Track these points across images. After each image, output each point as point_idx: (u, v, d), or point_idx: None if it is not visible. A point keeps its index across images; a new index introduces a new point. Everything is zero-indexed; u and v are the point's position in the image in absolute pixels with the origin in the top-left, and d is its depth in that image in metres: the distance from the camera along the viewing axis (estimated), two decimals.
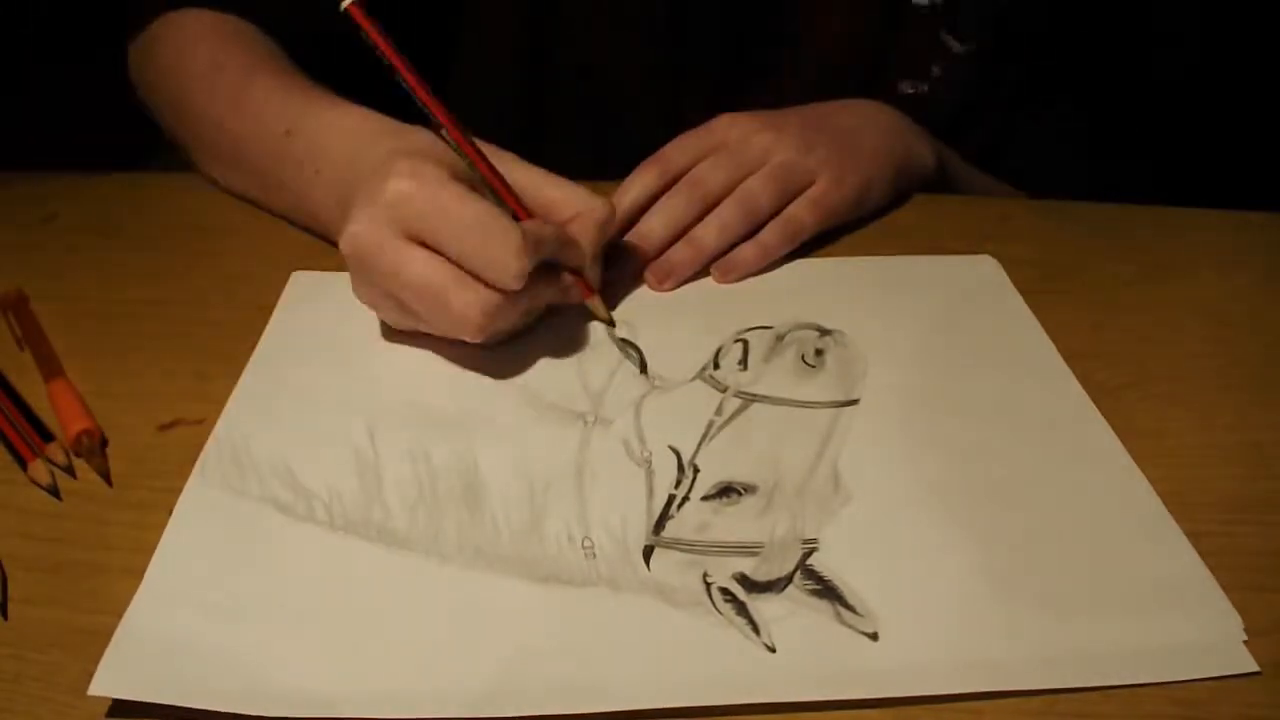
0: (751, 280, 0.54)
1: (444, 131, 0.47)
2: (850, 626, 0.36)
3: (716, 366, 0.48)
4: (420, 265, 0.43)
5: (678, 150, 0.57)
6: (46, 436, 0.43)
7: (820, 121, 0.59)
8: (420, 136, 0.48)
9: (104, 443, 0.43)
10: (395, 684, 0.34)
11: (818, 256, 0.56)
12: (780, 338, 0.49)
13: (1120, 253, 0.58)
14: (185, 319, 0.51)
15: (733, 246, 0.55)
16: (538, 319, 0.50)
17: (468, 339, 0.45)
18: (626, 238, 0.54)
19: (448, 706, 0.33)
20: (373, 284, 0.46)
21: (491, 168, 0.47)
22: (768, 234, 0.55)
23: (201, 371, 0.47)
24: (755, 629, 0.36)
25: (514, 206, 0.47)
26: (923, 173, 0.62)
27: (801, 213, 0.56)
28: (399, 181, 0.43)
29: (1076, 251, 0.58)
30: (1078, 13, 0.67)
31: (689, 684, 0.34)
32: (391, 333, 0.49)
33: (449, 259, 0.43)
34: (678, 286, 0.54)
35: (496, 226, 0.43)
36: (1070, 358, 0.49)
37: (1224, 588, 0.37)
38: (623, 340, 0.49)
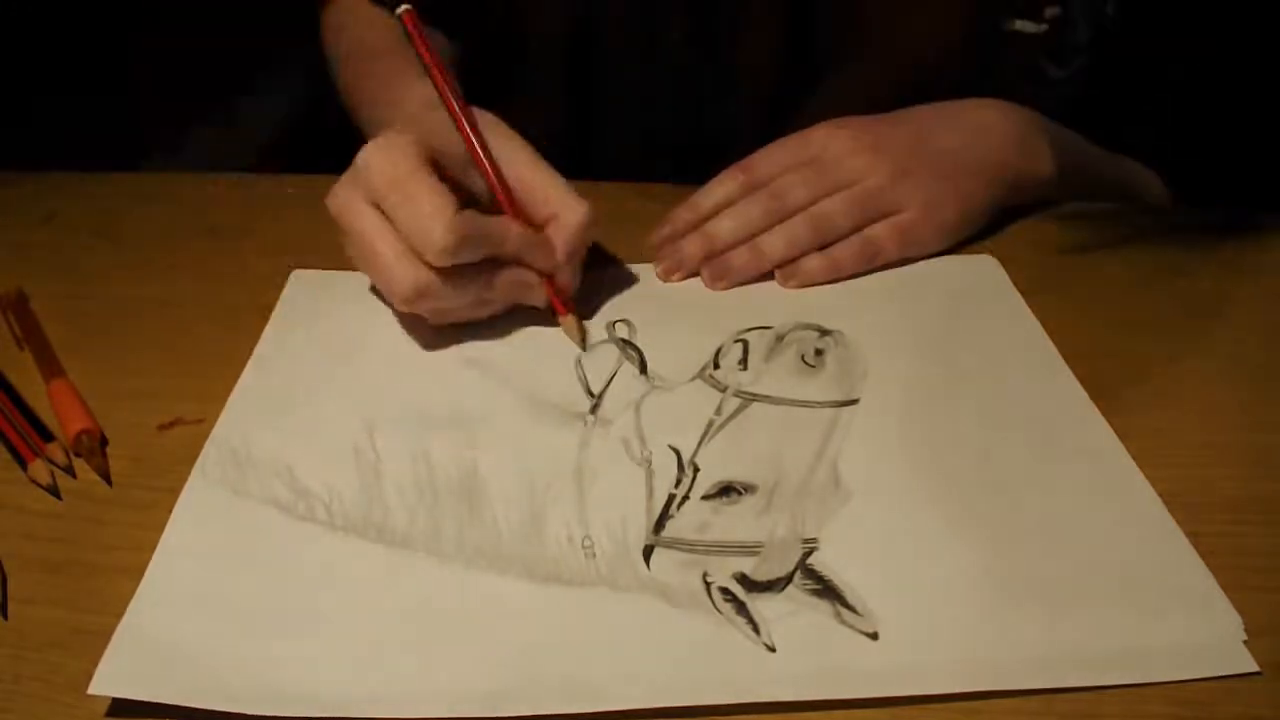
0: (751, 280, 0.54)
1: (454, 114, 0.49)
2: (850, 626, 0.36)
3: (716, 366, 0.48)
4: (366, 224, 0.46)
5: (767, 160, 0.55)
6: (46, 436, 0.43)
7: (922, 141, 0.56)
8: (434, 117, 0.50)
9: (104, 443, 0.43)
10: (395, 684, 0.34)
11: None
12: (780, 338, 0.49)
13: (1120, 253, 0.58)
14: (185, 319, 0.51)
15: None
16: (503, 312, 0.50)
17: (397, 306, 0.47)
18: (694, 232, 0.54)
19: (448, 706, 0.33)
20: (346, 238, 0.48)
21: (484, 154, 0.49)
22: (841, 249, 0.54)
23: (201, 371, 0.47)
24: (755, 629, 0.36)
25: (500, 196, 0.48)
26: (1038, 186, 0.58)
27: (882, 235, 0.54)
28: (367, 152, 0.46)
29: (1076, 251, 0.58)
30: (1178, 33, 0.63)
31: (689, 684, 0.34)
32: (392, 331, 0.49)
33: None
34: (732, 288, 0.53)
35: (429, 202, 0.44)
36: (1070, 358, 0.49)
37: (1224, 588, 0.37)
38: (623, 340, 0.49)
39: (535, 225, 0.49)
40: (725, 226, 0.54)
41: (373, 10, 0.69)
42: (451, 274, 0.46)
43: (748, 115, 0.66)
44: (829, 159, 0.55)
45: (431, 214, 0.44)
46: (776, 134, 0.57)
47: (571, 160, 0.53)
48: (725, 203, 0.55)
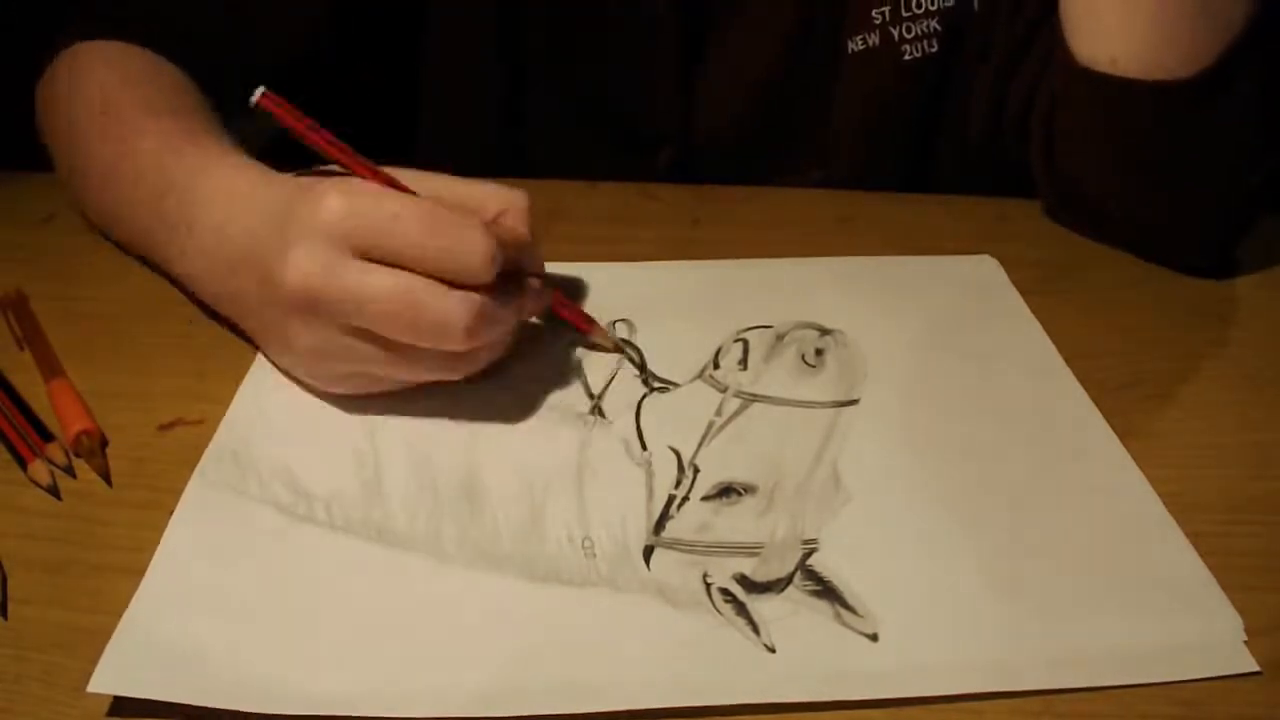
0: (751, 280, 0.54)
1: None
2: (850, 627, 0.36)
3: (716, 366, 0.48)
4: (384, 277, 0.39)
5: None
6: (46, 436, 0.43)
7: None
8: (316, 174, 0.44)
9: (104, 443, 0.43)
10: (395, 683, 0.34)
11: (819, 256, 0.56)
12: (780, 337, 0.49)
13: (1120, 253, 0.58)
14: (185, 319, 0.51)
15: None
16: (514, 340, 0.46)
17: (456, 346, 0.40)
18: None
19: (448, 706, 0.33)
20: (326, 324, 0.41)
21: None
22: None
23: (201, 371, 0.47)
24: (755, 629, 0.36)
25: None
26: None
27: None
28: (332, 199, 0.39)
29: (1076, 251, 0.58)
30: None
31: (689, 684, 0.34)
32: None
33: (411, 270, 0.39)
34: None
35: (453, 219, 0.39)
36: (1070, 358, 0.49)
37: (1224, 588, 0.37)
38: (623, 340, 0.49)
39: None
40: None
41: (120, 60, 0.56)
42: (494, 289, 0.41)
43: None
44: None
45: (462, 228, 0.39)
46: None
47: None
48: None
